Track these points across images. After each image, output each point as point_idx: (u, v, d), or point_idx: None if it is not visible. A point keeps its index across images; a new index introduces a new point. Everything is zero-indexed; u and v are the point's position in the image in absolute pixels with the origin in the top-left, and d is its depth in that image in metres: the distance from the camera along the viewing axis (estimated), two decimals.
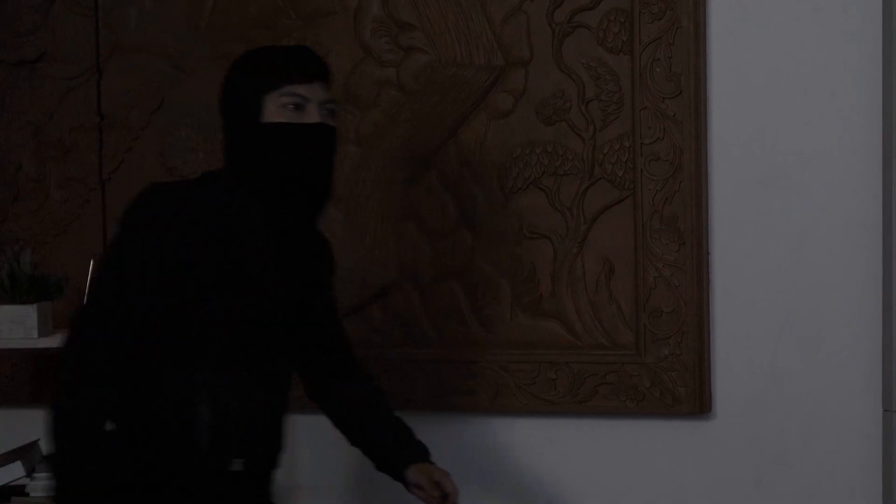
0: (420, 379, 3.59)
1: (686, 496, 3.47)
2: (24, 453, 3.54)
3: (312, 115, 2.63)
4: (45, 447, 2.58)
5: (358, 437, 3.01)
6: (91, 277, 2.70)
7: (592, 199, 3.47)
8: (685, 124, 3.36)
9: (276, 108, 2.62)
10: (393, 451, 2.95)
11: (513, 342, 3.54)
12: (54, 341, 3.44)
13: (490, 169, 3.53)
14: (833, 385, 3.36)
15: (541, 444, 3.54)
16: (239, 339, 2.63)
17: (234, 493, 2.68)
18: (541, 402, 3.51)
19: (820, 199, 3.34)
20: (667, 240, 3.39)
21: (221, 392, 2.61)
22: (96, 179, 3.79)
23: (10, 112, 3.83)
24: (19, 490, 3.48)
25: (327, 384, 3.04)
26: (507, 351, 3.54)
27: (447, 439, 3.48)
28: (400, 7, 3.57)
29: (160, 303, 2.59)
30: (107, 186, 3.79)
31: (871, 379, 3.29)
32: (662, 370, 3.42)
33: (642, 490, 3.50)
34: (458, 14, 3.53)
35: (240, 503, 2.70)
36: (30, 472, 3.50)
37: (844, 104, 3.31)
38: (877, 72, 3.22)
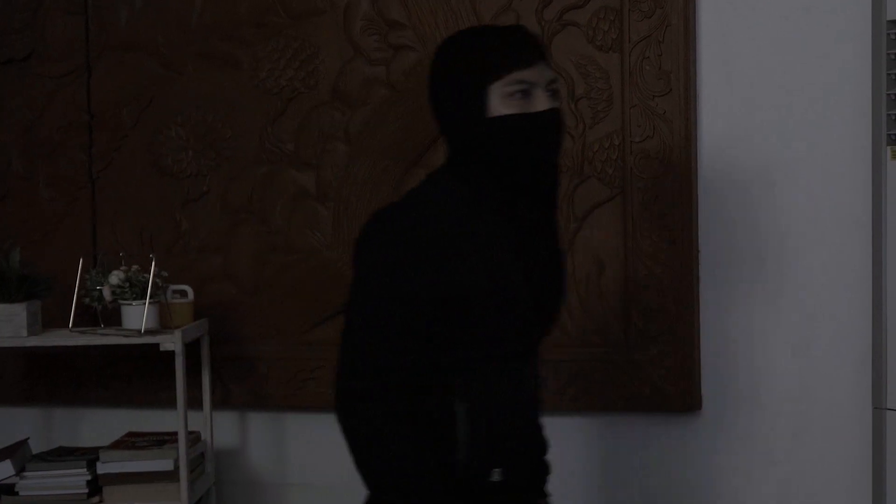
0: None
1: (676, 493, 3.47)
2: (14, 452, 3.54)
3: (541, 101, 2.37)
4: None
5: None
6: (345, 323, 2.42)
7: (582, 197, 3.47)
8: (675, 122, 3.37)
9: (502, 99, 2.35)
10: None
11: None
12: (43, 340, 3.45)
13: None
14: (823, 383, 3.36)
15: None
16: (498, 344, 2.41)
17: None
18: None
19: (809, 196, 3.35)
20: (657, 238, 3.39)
21: (477, 402, 2.39)
22: (86, 178, 3.78)
23: None
24: (9, 489, 3.47)
25: None
26: None
27: None
28: (389, 5, 3.57)
29: (420, 328, 2.36)
30: (96, 185, 3.78)
31: (861, 377, 3.30)
32: (652, 368, 3.42)
33: (632, 487, 3.50)
34: (447, 12, 3.53)
35: None
36: (19, 471, 3.49)
37: (834, 103, 3.32)
38: (866, 71, 3.22)
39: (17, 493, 3.47)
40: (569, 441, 3.54)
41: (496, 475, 2.42)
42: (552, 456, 2.52)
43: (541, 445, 2.54)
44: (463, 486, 2.40)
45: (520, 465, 2.47)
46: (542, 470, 2.56)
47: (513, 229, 2.43)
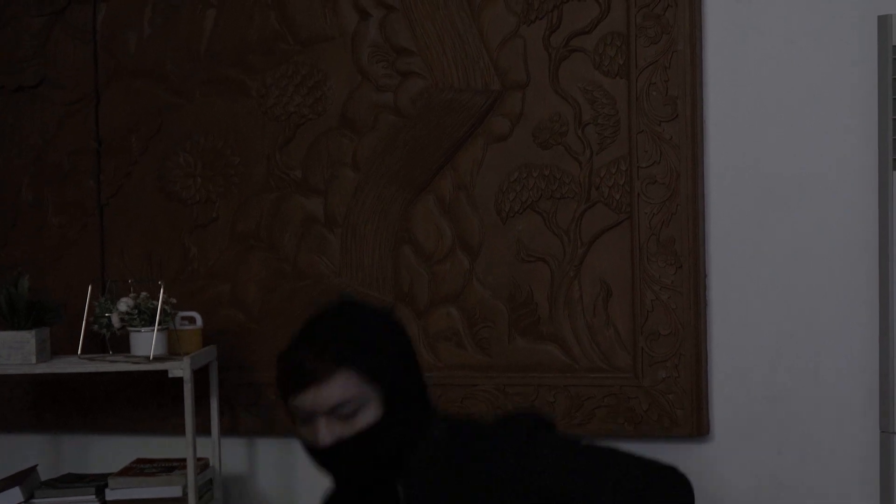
0: None
1: None
2: (23, 479, 3.54)
3: (322, 433, 2.26)
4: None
5: None
6: None
7: (589, 222, 3.48)
8: (682, 147, 3.37)
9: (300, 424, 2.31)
10: None
11: (510, 365, 3.54)
12: (52, 367, 3.45)
13: (487, 192, 3.54)
14: (831, 407, 3.36)
15: None
16: None
17: None
18: None
19: (816, 221, 3.35)
20: (664, 263, 3.40)
21: None
22: (94, 204, 3.80)
23: (9, 137, 3.84)
24: None
25: None
26: (504, 374, 3.54)
27: None
28: (397, 32, 3.59)
29: None
30: (105, 211, 3.80)
31: (869, 401, 3.29)
32: (660, 393, 3.42)
33: None
34: (455, 39, 3.54)
35: None
36: (28, 498, 3.49)
37: (840, 127, 3.32)
38: (872, 95, 3.23)
39: None
40: None
41: None
42: None
43: None
44: None
45: None
46: None
47: None
